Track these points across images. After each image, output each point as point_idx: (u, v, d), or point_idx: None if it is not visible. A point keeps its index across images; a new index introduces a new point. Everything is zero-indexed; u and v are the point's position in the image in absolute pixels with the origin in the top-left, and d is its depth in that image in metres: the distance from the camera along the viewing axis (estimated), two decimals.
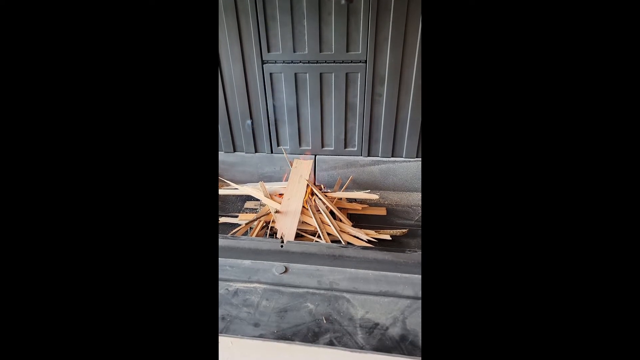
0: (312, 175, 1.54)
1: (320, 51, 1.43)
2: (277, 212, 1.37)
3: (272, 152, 1.69)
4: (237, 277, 1.02)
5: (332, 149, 1.64)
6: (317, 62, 1.46)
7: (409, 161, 1.61)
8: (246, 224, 1.40)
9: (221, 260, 1.07)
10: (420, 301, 0.93)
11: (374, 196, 1.53)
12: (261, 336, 0.86)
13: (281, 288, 0.98)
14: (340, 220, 1.41)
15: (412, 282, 0.99)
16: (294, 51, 1.44)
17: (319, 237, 1.32)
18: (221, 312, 0.92)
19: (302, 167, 1.53)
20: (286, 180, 1.53)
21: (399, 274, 1.01)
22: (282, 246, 1.07)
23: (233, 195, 1.66)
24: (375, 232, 1.36)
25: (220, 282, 1.01)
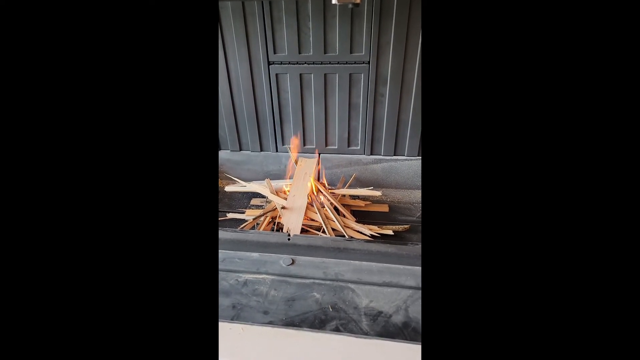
0: (321, 173, 1.58)
1: (325, 52, 1.48)
2: (283, 207, 1.41)
3: (277, 151, 1.73)
4: (247, 269, 1.06)
5: (336, 147, 1.69)
6: (321, 63, 1.50)
7: (411, 159, 1.65)
8: (253, 219, 1.44)
9: (230, 253, 1.12)
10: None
11: (377, 193, 1.58)
12: (270, 323, 0.90)
13: (288, 279, 1.03)
14: (344, 216, 1.45)
15: (414, 273, 1.03)
16: (299, 52, 1.49)
17: (323, 232, 1.36)
18: (232, 301, 0.96)
19: (307, 165, 1.58)
20: (290, 177, 1.57)
21: (401, 266, 1.06)
22: (289, 239, 1.11)
23: (239, 193, 1.70)
24: (378, 227, 1.40)
25: (230, 274, 1.05)
